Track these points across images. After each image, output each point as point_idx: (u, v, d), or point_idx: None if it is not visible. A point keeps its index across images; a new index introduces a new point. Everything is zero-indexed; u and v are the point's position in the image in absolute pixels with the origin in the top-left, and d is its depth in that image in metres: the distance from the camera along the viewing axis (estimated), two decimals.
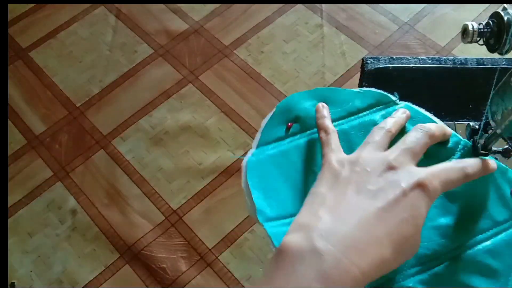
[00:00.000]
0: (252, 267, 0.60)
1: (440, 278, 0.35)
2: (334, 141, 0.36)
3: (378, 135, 0.35)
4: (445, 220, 0.36)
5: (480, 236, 0.36)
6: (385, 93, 0.46)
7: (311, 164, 0.42)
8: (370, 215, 0.28)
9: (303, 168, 0.42)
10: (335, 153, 0.34)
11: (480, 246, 0.36)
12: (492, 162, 0.34)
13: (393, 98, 0.45)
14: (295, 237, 0.27)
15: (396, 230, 0.28)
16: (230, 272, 0.60)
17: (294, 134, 0.43)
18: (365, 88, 0.47)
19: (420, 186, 0.29)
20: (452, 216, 0.37)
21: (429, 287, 0.35)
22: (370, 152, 0.33)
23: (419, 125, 0.35)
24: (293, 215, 0.34)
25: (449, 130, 0.38)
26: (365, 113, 0.45)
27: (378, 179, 0.30)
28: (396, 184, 0.29)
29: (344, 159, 0.33)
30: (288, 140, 0.43)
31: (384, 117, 0.44)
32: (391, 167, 0.31)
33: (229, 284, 0.59)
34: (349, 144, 0.42)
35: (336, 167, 0.32)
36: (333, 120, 0.45)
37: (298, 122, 0.44)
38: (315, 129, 0.43)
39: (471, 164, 0.34)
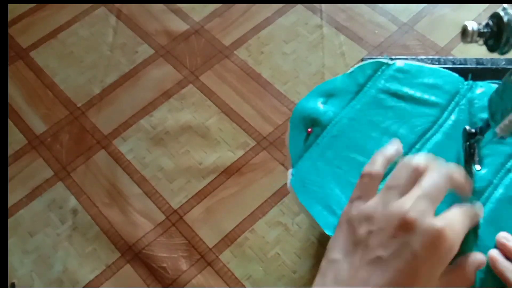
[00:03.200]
0: (252, 266, 0.60)
1: None
2: (366, 186, 0.35)
3: (401, 177, 0.33)
4: None
5: None
6: (376, 60, 0.49)
7: (344, 157, 0.45)
8: None
9: (341, 161, 0.44)
10: (357, 203, 0.33)
11: None
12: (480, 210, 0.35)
13: (385, 61, 0.49)
14: None
15: None
16: (230, 271, 0.60)
17: (317, 136, 0.46)
18: (355, 66, 0.50)
19: (434, 243, 0.28)
20: None
21: None
22: (387, 204, 0.31)
23: (437, 167, 0.33)
24: None
25: (469, 183, 0.36)
26: (368, 85, 0.47)
27: (390, 241, 0.29)
28: (407, 246, 0.28)
29: (362, 213, 0.32)
30: (315, 144, 0.45)
31: (386, 80, 0.48)
32: (405, 224, 0.29)
33: (229, 283, 0.59)
34: (368, 121, 0.46)
35: (354, 224, 0.32)
36: (346, 104, 0.46)
37: (315, 125, 0.46)
38: (334, 121, 0.46)
39: (474, 212, 0.34)
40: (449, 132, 0.45)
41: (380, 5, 0.81)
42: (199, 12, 0.85)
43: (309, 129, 0.46)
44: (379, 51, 0.76)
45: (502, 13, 0.33)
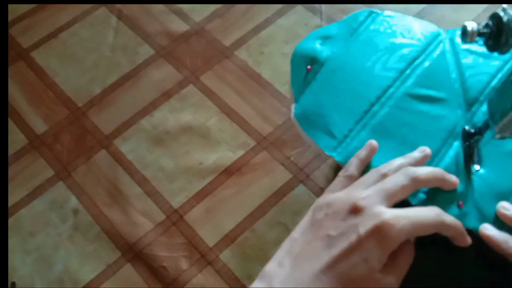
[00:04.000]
0: (252, 266, 0.60)
1: None
2: (339, 183, 0.38)
3: (370, 178, 0.36)
4: None
5: None
6: (366, 10, 0.56)
7: (342, 87, 0.50)
8: (323, 264, 0.30)
9: (339, 92, 0.50)
10: (326, 194, 0.37)
11: None
12: (468, 239, 0.36)
13: (375, 10, 0.56)
14: (259, 284, 0.31)
15: (347, 278, 0.29)
16: (230, 270, 0.60)
17: (316, 72, 0.51)
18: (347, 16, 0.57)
19: (377, 231, 0.30)
20: None
21: None
22: (349, 193, 0.35)
23: (406, 168, 0.36)
24: (346, 135, 0.45)
25: (451, 179, 0.38)
26: (361, 29, 0.55)
27: (340, 223, 0.32)
28: (354, 229, 0.31)
29: (324, 201, 0.36)
30: (314, 80, 0.50)
31: (376, 23, 0.55)
32: (355, 209, 0.32)
33: (229, 282, 0.60)
34: (362, 56, 0.52)
35: (314, 211, 0.35)
36: (341, 44, 0.53)
37: (314, 63, 0.52)
38: (331, 59, 0.51)
39: (452, 218, 0.34)
40: (438, 59, 0.49)
41: (380, 6, 0.81)
42: (199, 12, 0.85)
43: (309, 67, 0.51)
44: None
45: (501, 14, 0.33)
